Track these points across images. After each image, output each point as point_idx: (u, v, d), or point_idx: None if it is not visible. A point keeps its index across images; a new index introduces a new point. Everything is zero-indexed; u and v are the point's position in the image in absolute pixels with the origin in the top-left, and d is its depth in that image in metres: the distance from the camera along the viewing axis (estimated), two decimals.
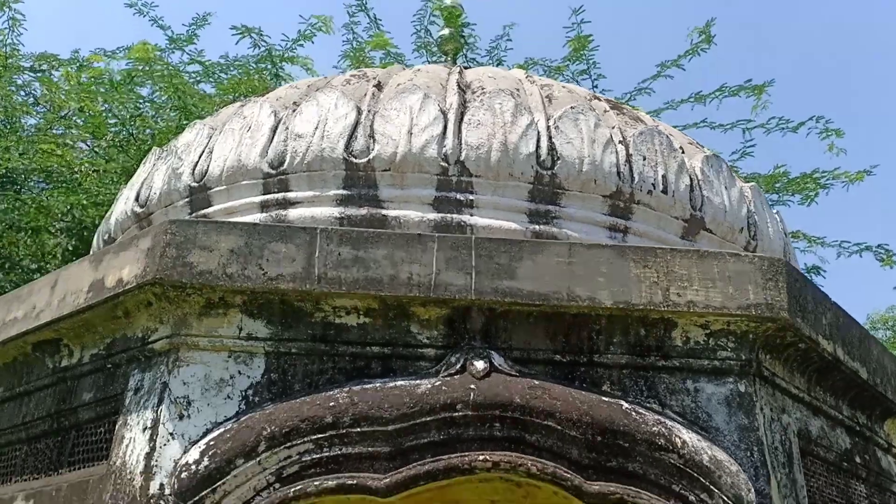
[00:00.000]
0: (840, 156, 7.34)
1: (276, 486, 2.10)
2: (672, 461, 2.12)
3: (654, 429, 2.16)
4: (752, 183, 3.39)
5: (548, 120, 3.00)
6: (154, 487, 2.19)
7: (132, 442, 2.32)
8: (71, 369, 2.70)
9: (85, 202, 5.87)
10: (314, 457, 2.13)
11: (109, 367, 2.56)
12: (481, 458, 2.07)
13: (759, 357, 2.34)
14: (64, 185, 6.29)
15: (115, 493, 2.28)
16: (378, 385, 2.26)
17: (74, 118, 7.03)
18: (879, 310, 15.52)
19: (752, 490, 2.15)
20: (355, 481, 2.06)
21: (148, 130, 6.81)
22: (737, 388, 2.30)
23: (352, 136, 2.97)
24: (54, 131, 6.91)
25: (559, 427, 2.14)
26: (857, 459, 2.85)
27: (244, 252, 2.33)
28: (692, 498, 2.09)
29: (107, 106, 6.89)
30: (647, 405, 2.26)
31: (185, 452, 2.21)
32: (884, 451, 3.09)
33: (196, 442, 2.22)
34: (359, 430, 2.16)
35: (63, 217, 5.90)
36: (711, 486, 2.11)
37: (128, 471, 2.28)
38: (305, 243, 2.34)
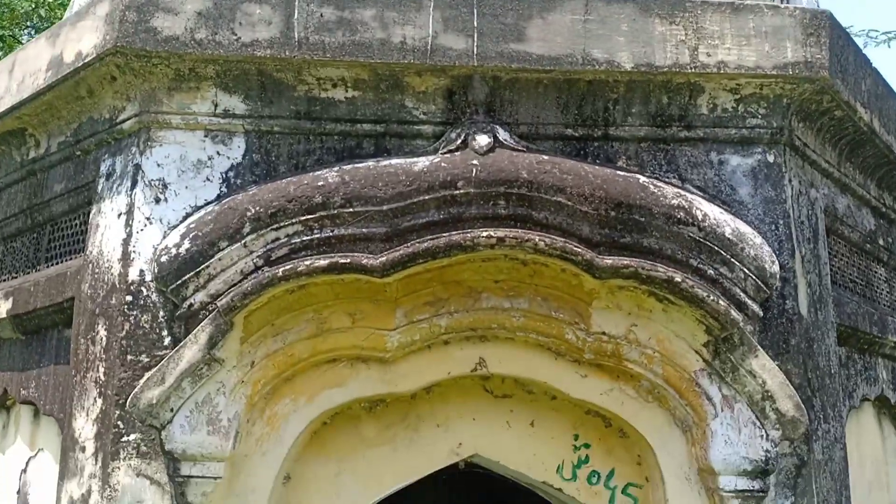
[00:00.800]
0: None
1: (265, 269, 1.95)
2: (691, 235, 1.96)
3: (674, 202, 1.98)
4: None
5: None
6: (133, 274, 2.05)
7: (107, 229, 2.16)
8: (39, 160, 2.52)
9: (50, 1, 5.42)
10: (304, 238, 1.97)
11: (79, 154, 2.37)
12: (485, 234, 1.91)
13: (791, 125, 2.13)
14: None
15: (94, 283, 2.14)
16: (371, 164, 2.07)
17: None
18: None
19: (776, 263, 2.01)
20: (349, 260, 1.90)
21: None
22: (765, 158, 2.11)
23: None
24: None
25: (569, 203, 1.96)
26: (881, 242, 2.72)
27: (213, 15, 2.06)
28: (710, 272, 1.95)
29: None
30: (666, 179, 2.07)
31: (164, 237, 2.05)
32: None
33: (175, 226, 2.06)
34: (351, 210, 1.98)
35: (29, 18, 5.47)
36: (732, 260, 1.97)
37: (105, 259, 2.13)
38: (282, 3, 2.06)
